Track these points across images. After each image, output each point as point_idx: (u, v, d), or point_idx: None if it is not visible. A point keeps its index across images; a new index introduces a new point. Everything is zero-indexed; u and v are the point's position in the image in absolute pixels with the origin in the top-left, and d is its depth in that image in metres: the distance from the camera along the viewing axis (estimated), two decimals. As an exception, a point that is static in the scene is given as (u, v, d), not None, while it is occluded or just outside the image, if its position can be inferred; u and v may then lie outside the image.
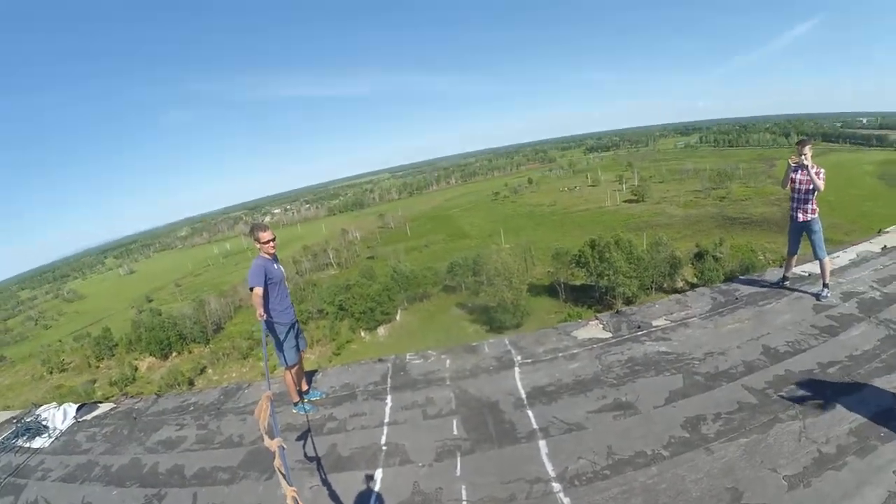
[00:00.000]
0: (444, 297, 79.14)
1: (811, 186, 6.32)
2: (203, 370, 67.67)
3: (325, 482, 4.32)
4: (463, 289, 76.45)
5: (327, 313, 72.76)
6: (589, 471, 3.91)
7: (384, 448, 4.70)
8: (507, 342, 6.55)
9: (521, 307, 64.42)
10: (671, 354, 5.50)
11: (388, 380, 6.13)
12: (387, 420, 5.22)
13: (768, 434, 3.96)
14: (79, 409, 6.93)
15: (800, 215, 6.50)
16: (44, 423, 6.59)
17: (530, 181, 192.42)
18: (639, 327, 6.28)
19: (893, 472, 3.39)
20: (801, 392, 4.43)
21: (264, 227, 5.45)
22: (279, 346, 5.48)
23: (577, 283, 69.95)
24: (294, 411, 5.68)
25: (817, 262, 6.51)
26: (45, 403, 7.44)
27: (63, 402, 7.24)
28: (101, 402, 7.28)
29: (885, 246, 7.80)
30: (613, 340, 6.07)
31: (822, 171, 6.36)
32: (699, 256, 65.03)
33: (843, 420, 3.97)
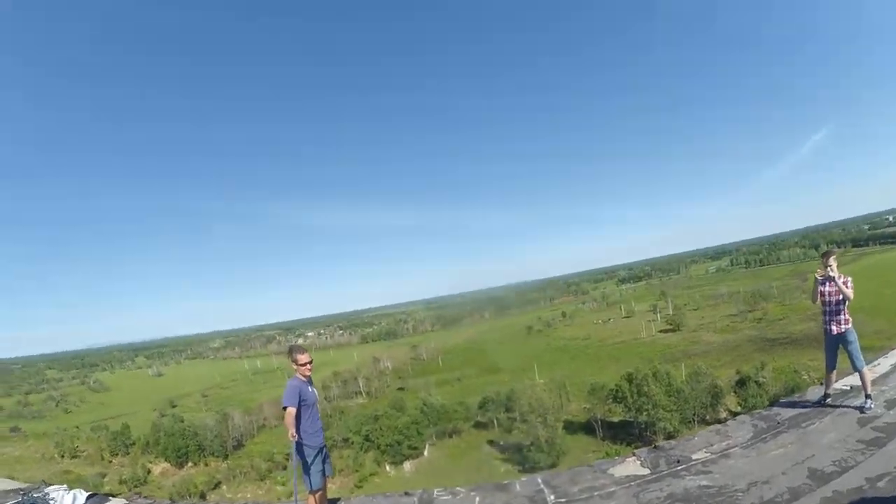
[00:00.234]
0: (476, 434, 75.93)
1: (841, 297, 6.39)
2: (217, 485, 65.19)
3: None
4: (495, 425, 73.55)
5: (352, 443, 70.52)
6: None
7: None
8: (539, 480, 6.29)
9: (557, 446, 61.22)
10: (712, 488, 5.24)
11: (414, 514, 5.90)
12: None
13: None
14: (89, 497, 6.73)
15: (833, 328, 6.50)
16: (51, 502, 6.37)
17: (564, 314, 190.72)
18: (678, 461, 6.00)
19: None
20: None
21: (302, 350, 5.74)
22: (306, 468, 5.49)
23: (616, 419, 66.68)
24: None
25: (857, 373, 6.36)
26: (56, 483, 7.23)
27: (73, 488, 7.01)
28: (113, 496, 7.08)
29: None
30: (652, 477, 5.78)
31: (850, 279, 6.46)
32: (741, 383, 62.64)
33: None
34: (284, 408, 5.29)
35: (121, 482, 64.08)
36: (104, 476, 67.45)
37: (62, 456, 77.39)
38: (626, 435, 62.81)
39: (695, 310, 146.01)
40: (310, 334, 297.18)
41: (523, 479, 6.59)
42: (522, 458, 61.47)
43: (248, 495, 61.84)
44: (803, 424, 6.29)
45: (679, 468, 5.85)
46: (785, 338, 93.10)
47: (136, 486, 62.28)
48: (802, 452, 5.53)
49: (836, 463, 5.11)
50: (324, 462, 5.70)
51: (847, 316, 6.43)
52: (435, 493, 6.50)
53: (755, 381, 60.93)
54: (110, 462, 76.43)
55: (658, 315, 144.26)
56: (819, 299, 6.62)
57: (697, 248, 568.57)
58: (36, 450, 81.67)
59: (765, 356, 77.38)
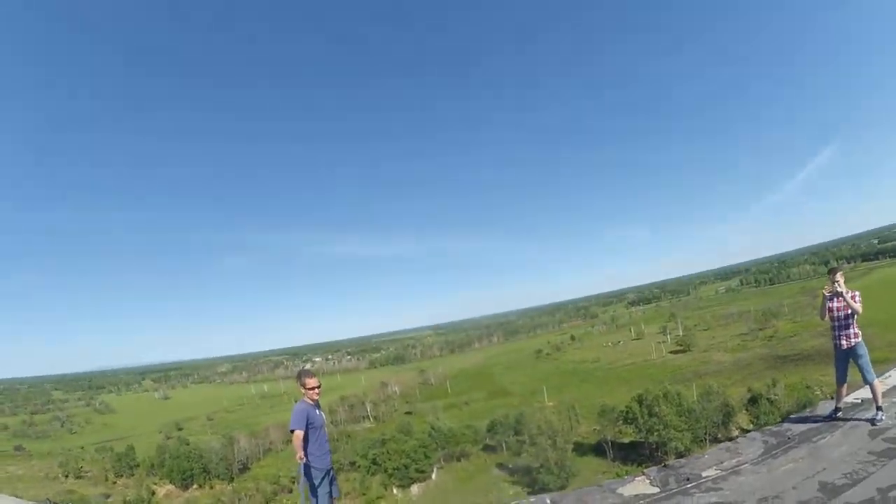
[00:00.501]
0: (484, 457, 75.21)
1: (849, 311, 6.44)
2: (221, 508, 64.45)
3: None
4: (504, 448, 72.73)
5: (359, 466, 69.95)
6: None
7: None
8: (548, 500, 6.28)
9: (566, 467, 60.36)
10: (722, 505, 5.20)
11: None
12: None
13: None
14: None
15: (843, 342, 6.53)
16: None
17: (573, 338, 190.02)
18: (688, 479, 5.98)
19: None
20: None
21: (311, 374, 5.90)
22: (313, 490, 5.58)
23: (626, 440, 66.10)
24: None
25: (868, 386, 6.35)
26: (62, 501, 7.23)
27: None
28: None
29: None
30: (662, 495, 5.73)
31: (857, 293, 6.51)
32: (753, 401, 62.10)
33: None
34: (292, 431, 5.41)
35: (125, 503, 63.70)
36: (108, 497, 67.23)
37: (66, 476, 77.11)
38: (637, 455, 62.14)
39: (705, 330, 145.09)
40: (317, 359, 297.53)
41: (531, 499, 6.57)
42: (532, 481, 60.67)
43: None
44: (814, 439, 6.28)
45: (689, 486, 5.81)
46: (796, 354, 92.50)
47: (138, 508, 62.12)
48: (813, 466, 5.52)
49: (848, 475, 5.10)
50: (331, 484, 5.77)
51: (856, 330, 6.47)
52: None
53: (767, 399, 60.53)
54: (114, 483, 76.08)
55: (668, 336, 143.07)
56: (827, 315, 6.68)
57: (707, 269, 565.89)
58: (40, 469, 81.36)
59: (776, 373, 76.52)
